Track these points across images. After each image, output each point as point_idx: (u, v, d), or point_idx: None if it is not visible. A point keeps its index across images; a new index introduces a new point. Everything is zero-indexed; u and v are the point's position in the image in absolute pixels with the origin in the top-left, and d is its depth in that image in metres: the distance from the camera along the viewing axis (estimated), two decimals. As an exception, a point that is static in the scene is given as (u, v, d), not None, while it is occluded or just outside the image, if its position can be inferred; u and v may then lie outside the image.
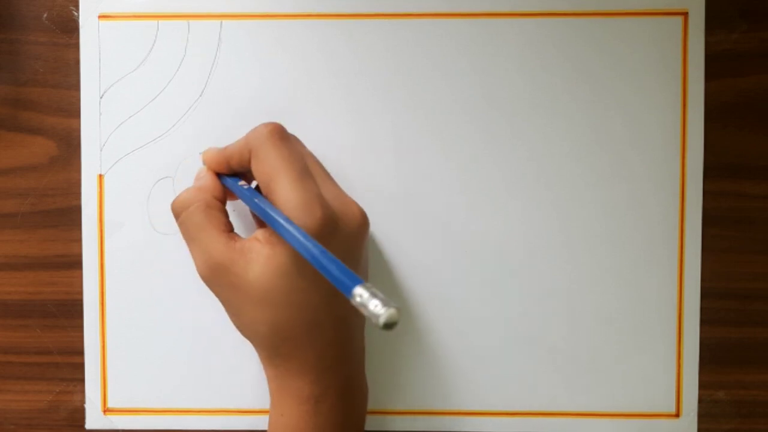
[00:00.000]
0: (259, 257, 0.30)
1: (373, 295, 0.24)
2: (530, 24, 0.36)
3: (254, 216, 0.34)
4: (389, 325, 0.23)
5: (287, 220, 0.29)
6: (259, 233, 0.31)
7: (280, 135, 0.31)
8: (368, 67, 0.36)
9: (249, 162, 0.31)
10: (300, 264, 0.30)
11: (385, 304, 0.24)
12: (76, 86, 0.37)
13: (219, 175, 0.33)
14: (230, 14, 0.36)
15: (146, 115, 0.36)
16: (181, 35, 0.36)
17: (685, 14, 0.36)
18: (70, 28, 0.37)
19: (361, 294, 0.24)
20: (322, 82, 0.36)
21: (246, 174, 0.33)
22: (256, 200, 0.31)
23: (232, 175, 0.33)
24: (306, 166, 0.31)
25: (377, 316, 0.23)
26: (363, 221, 0.32)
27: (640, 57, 0.36)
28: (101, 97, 0.36)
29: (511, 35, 0.36)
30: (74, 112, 0.37)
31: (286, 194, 0.30)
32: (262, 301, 0.30)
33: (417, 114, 0.36)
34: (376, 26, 0.36)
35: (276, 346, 0.31)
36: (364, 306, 0.24)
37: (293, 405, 0.31)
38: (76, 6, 0.36)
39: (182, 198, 0.33)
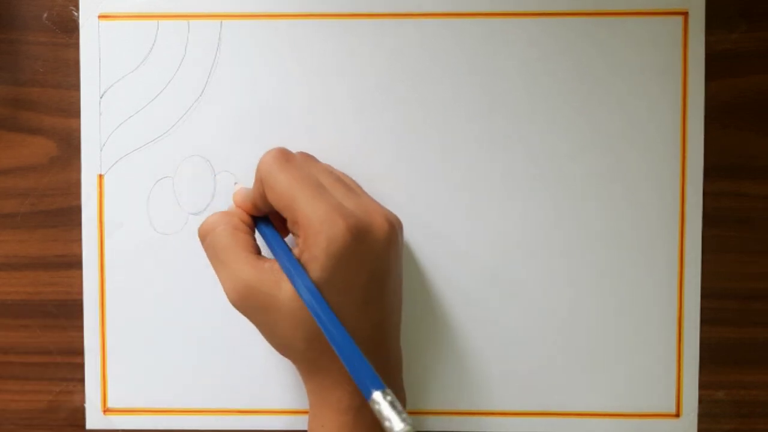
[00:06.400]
0: None
1: (392, 406, 0.24)
2: (530, 24, 0.36)
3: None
4: None
5: (316, 294, 0.29)
6: None
7: (285, 158, 0.31)
8: (368, 67, 0.36)
9: None
10: (331, 276, 0.29)
11: (401, 419, 0.24)
12: (76, 86, 0.37)
13: (254, 220, 0.33)
14: (230, 14, 0.36)
15: (146, 115, 0.36)
16: (181, 35, 0.36)
17: (685, 14, 0.36)
18: (70, 28, 0.37)
19: (379, 402, 0.24)
20: (322, 82, 0.36)
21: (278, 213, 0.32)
22: (290, 268, 0.30)
23: (266, 219, 0.33)
24: (318, 182, 0.31)
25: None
26: (390, 229, 0.31)
27: (640, 57, 0.36)
28: (101, 97, 0.36)
29: (512, 35, 0.36)
30: (74, 112, 0.37)
31: (306, 212, 0.29)
32: (296, 317, 0.30)
33: (417, 114, 0.36)
34: (376, 26, 0.36)
35: (314, 360, 0.31)
36: (380, 415, 0.24)
37: (333, 416, 0.31)
38: (76, 6, 0.36)
39: (208, 221, 0.32)
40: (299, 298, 0.30)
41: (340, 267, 0.29)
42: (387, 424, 0.24)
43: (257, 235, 0.33)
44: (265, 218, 0.33)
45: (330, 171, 0.33)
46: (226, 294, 0.31)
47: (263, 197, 0.31)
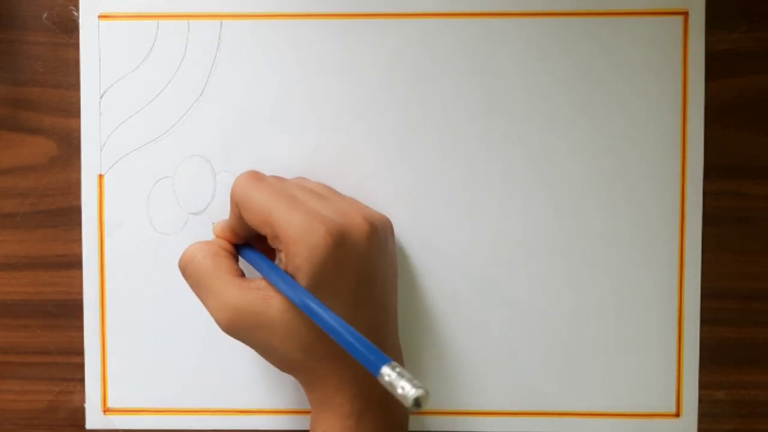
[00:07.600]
0: (277, 290, 0.30)
1: (401, 375, 0.25)
2: (531, 23, 0.36)
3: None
4: (418, 405, 0.24)
5: (309, 295, 0.29)
6: None
7: (255, 177, 0.31)
8: (369, 67, 0.36)
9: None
10: (318, 284, 0.29)
11: (413, 385, 0.24)
12: (76, 86, 0.37)
13: (237, 248, 0.33)
14: (230, 14, 0.36)
15: (146, 115, 0.36)
16: (181, 35, 0.36)
17: (685, 14, 0.36)
18: (70, 28, 0.37)
19: (388, 374, 0.25)
20: (322, 82, 0.36)
21: (258, 237, 0.32)
22: (278, 279, 0.30)
23: (248, 245, 0.33)
24: (292, 195, 0.31)
25: (406, 398, 0.24)
26: (370, 228, 0.31)
27: (640, 57, 0.36)
28: (101, 97, 0.36)
29: (512, 35, 0.36)
30: (74, 112, 0.37)
31: (284, 223, 0.29)
32: (289, 330, 0.30)
33: (417, 113, 0.36)
34: (376, 26, 0.36)
35: (313, 370, 0.31)
36: (392, 386, 0.24)
37: (336, 422, 0.31)
38: (76, 6, 0.36)
39: (187, 252, 0.32)
40: (289, 310, 0.29)
41: (324, 273, 0.29)
42: (400, 391, 0.24)
43: (242, 262, 0.33)
44: (248, 244, 0.33)
45: (303, 185, 0.33)
46: (216, 321, 0.31)
47: (241, 221, 0.31)
